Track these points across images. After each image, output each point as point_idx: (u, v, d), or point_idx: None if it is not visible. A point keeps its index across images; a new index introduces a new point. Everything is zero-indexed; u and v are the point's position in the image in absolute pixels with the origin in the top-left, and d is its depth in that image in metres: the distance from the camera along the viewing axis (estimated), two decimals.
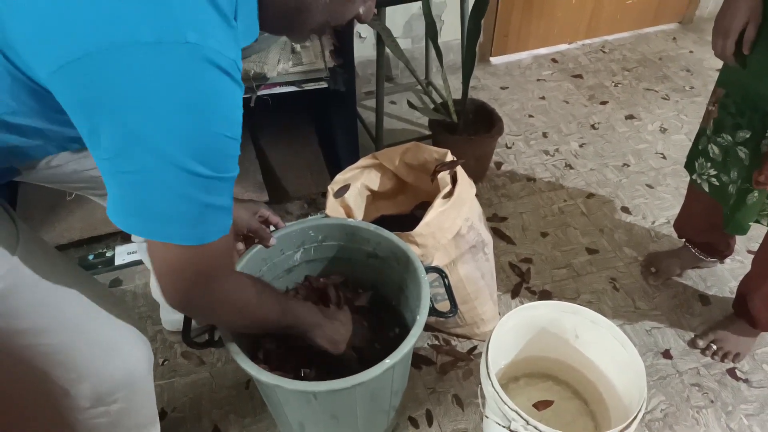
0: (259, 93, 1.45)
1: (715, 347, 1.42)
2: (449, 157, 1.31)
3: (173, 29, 0.52)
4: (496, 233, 1.76)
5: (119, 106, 0.54)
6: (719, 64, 1.17)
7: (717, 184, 1.29)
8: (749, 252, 1.67)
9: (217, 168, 0.60)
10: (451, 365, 1.42)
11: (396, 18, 2.28)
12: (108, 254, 1.69)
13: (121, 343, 0.92)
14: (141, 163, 0.56)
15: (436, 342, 1.47)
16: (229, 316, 0.82)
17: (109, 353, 0.90)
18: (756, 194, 1.18)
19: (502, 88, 2.44)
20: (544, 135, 2.17)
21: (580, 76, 2.50)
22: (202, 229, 0.63)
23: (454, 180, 1.25)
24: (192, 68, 0.54)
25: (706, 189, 1.32)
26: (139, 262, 1.66)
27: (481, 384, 1.09)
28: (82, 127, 0.58)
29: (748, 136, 1.16)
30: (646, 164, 2.03)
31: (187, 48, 0.53)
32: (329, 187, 1.31)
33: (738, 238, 1.60)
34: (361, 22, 0.73)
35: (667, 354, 1.44)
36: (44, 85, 0.57)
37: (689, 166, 1.37)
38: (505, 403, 1.00)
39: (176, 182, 0.58)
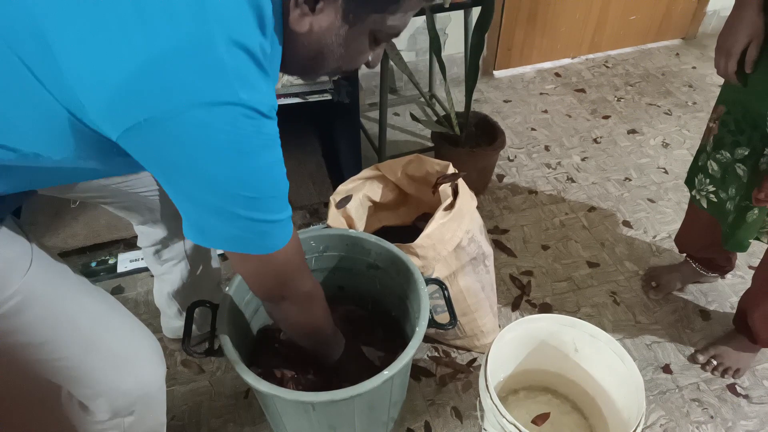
0: None
1: (715, 362, 1.42)
2: (451, 170, 1.32)
3: (229, 90, 0.60)
4: (497, 245, 1.76)
5: (182, 160, 0.63)
6: (721, 80, 1.18)
7: (715, 200, 1.29)
8: (750, 268, 1.67)
9: (269, 190, 0.70)
10: (450, 377, 1.42)
11: None
12: (111, 261, 1.70)
13: (135, 356, 0.92)
14: (205, 201, 0.66)
15: (436, 354, 1.47)
16: (299, 313, 0.91)
17: (124, 367, 0.90)
18: (756, 212, 1.18)
19: (504, 101, 2.45)
20: (546, 148, 2.18)
21: (582, 91, 2.52)
22: (267, 242, 0.74)
23: (455, 192, 1.26)
24: (243, 123, 0.62)
25: (705, 205, 1.32)
26: (141, 270, 1.67)
27: (479, 396, 1.09)
28: (151, 172, 0.67)
29: (747, 153, 1.17)
30: (647, 179, 2.03)
31: (239, 107, 0.61)
32: (331, 198, 1.32)
33: (739, 253, 1.60)
34: (369, 67, 0.80)
35: (667, 369, 1.44)
36: (109, 137, 0.63)
37: (689, 182, 1.38)
38: (504, 417, 1.00)
39: (237, 209, 0.68)
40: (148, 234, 1.21)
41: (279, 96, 1.50)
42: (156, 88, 0.58)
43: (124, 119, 0.59)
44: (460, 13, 1.97)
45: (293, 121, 2.00)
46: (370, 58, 0.78)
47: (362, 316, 1.29)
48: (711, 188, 1.29)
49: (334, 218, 1.29)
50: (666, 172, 2.06)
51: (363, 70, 2.07)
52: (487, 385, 1.05)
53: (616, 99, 2.46)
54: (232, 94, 0.60)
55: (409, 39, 2.35)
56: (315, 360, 1.08)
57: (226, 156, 0.63)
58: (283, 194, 0.73)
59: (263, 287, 0.84)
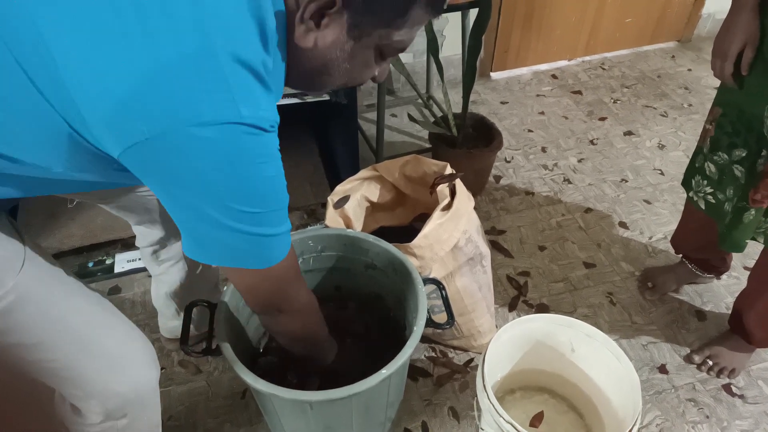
0: None
1: (710, 363, 1.43)
2: (448, 170, 1.32)
3: (231, 108, 0.60)
4: (494, 246, 1.77)
5: (182, 177, 0.63)
6: (717, 82, 1.19)
7: (713, 201, 1.30)
8: (745, 268, 1.68)
9: (268, 204, 0.70)
10: (447, 377, 1.42)
11: None
12: (107, 262, 1.70)
13: (128, 358, 0.91)
14: (207, 216, 0.66)
15: (433, 354, 1.48)
16: (295, 324, 0.91)
17: (116, 369, 0.89)
18: (753, 212, 1.19)
19: (501, 102, 2.46)
20: (543, 150, 2.19)
21: (579, 92, 2.53)
22: (267, 256, 0.74)
23: (452, 193, 1.26)
24: (243, 140, 0.63)
25: (702, 206, 1.33)
26: (138, 270, 1.67)
27: (477, 396, 1.10)
28: (150, 188, 0.67)
29: (744, 154, 1.18)
30: (643, 180, 2.04)
31: (240, 125, 0.61)
32: (329, 198, 1.32)
33: (734, 254, 1.61)
34: (376, 82, 0.81)
35: (662, 369, 1.44)
36: (109, 154, 0.63)
37: (686, 183, 1.38)
38: (501, 416, 1.01)
39: (236, 224, 0.67)
40: (146, 234, 1.21)
41: None
42: (158, 104, 0.58)
43: (127, 136, 0.59)
44: (458, 14, 1.98)
45: (291, 122, 1.99)
46: (376, 73, 0.78)
47: (359, 315, 1.29)
48: (708, 190, 1.30)
49: (332, 218, 1.30)
50: (662, 174, 2.07)
51: None
52: (484, 385, 1.06)
53: (612, 101, 2.47)
54: (235, 111, 0.60)
55: None
56: (306, 364, 1.08)
57: (227, 171, 0.63)
58: (283, 207, 0.73)
59: (259, 301, 0.83)
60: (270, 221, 0.71)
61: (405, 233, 1.27)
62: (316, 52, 0.69)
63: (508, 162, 2.13)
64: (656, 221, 1.87)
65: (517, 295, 1.63)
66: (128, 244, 1.72)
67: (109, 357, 0.88)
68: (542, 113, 2.39)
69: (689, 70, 2.68)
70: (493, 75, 2.64)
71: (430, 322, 1.07)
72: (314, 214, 1.87)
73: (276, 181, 0.70)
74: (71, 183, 0.75)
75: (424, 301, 1.04)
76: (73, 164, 0.67)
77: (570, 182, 2.03)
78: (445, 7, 1.98)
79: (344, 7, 0.65)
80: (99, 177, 0.73)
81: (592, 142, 2.23)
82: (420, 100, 2.38)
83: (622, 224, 1.86)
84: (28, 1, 0.58)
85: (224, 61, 0.59)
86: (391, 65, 1.73)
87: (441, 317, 1.18)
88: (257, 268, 0.74)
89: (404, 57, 2.34)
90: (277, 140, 0.68)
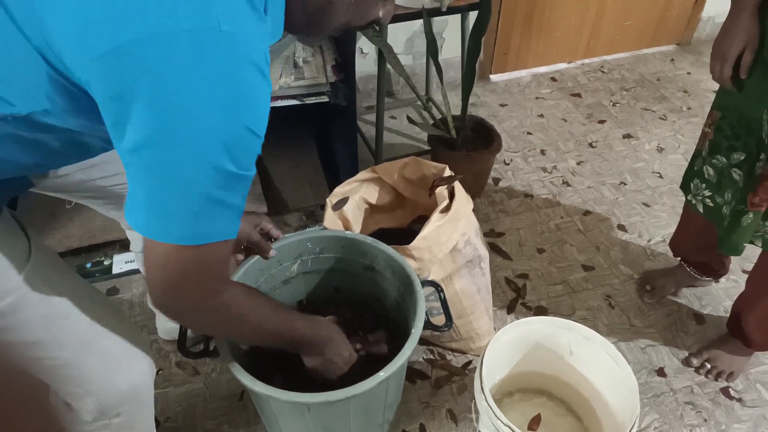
0: None
1: (709, 366, 1.43)
2: (447, 173, 1.32)
3: (208, 17, 0.53)
4: (493, 248, 1.77)
5: (155, 94, 0.54)
6: (716, 86, 1.19)
7: (711, 205, 1.30)
8: (744, 272, 1.68)
9: (241, 164, 0.60)
10: (445, 380, 1.42)
11: (397, 35, 2.31)
12: (106, 263, 1.70)
13: (126, 357, 0.91)
14: (168, 153, 0.57)
15: (431, 356, 1.48)
16: (219, 326, 0.80)
17: (115, 367, 0.89)
18: (751, 216, 1.19)
19: (501, 105, 2.46)
20: (542, 152, 2.19)
21: (578, 95, 2.53)
22: (204, 228, 0.62)
23: (451, 195, 1.26)
24: (228, 60, 0.55)
25: (701, 210, 1.33)
26: (136, 271, 1.67)
27: (475, 399, 1.09)
28: (111, 118, 0.57)
29: (742, 158, 1.18)
30: (642, 183, 2.04)
31: (223, 38, 0.54)
32: (328, 200, 1.32)
33: (733, 257, 1.61)
34: (380, 25, 0.74)
35: (661, 372, 1.44)
36: (79, 83, 0.57)
37: (685, 186, 1.39)
38: (499, 419, 1.00)
39: (199, 175, 0.58)
40: (139, 237, 1.20)
41: (276, 98, 1.50)
42: (130, 10, 0.52)
43: (94, 46, 0.53)
44: (457, 17, 1.98)
45: (290, 124, 2.00)
46: (381, 14, 0.73)
47: (357, 318, 1.29)
48: (707, 193, 1.30)
49: (331, 220, 1.30)
50: (661, 177, 2.07)
51: (360, 72, 2.08)
52: (482, 388, 1.06)
53: (611, 104, 2.47)
54: (213, 21, 0.53)
55: (406, 42, 2.36)
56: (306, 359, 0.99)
57: (210, 93, 0.55)
58: (249, 178, 0.63)
59: (166, 290, 0.66)
60: (235, 187, 0.62)
61: (404, 235, 1.27)
62: None
63: (507, 164, 2.13)
64: (655, 224, 1.87)
65: (515, 298, 1.62)
66: (126, 245, 1.72)
67: (109, 355, 0.88)
68: (541, 116, 2.40)
69: (689, 73, 2.68)
70: (493, 77, 2.64)
71: (428, 324, 1.07)
72: (313, 215, 1.86)
73: (256, 143, 0.61)
74: (45, 127, 0.66)
75: (423, 303, 1.04)
76: (44, 104, 0.61)
77: (569, 185, 2.03)
78: (444, 24, 1.93)
79: None
80: (71, 121, 0.65)
81: (591, 144, 2.23)
82: (419, 102, 2.38)
83: (621, 227, 1.86)
84: None
85: None
86: (390, 67, 1.74)
87: (439, 319, 1.18)
88: (184, 244, 0.62)
89: (404, 59, 2.35)
90: (269, 92, 0.60)
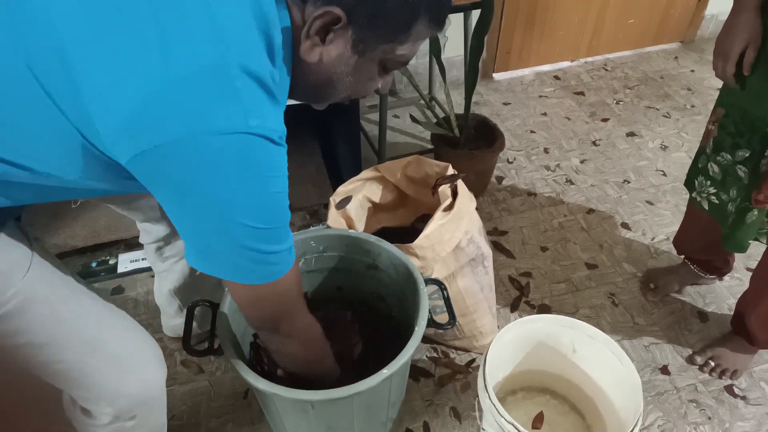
0: None
1: (713, 364, 1.43)
2: (450, 171, 1.32)
3: (242, 118, 0.61)
4: (496, 247, 1.77)
5: (191, 186, 0.63)
6: (719, 83, 1.19)
7: (716, 202, 1.30)
8: (748, 270, 1.67)
9: (273, 221, 0.70)
10: (449, 378, 1.42)
11: None
12: (111, 262, 1.70)
13: (135, 360, 0.92)
14: (212, 226, 0.67)
15: (435, 354, 1.48)
16: (293, 347, 0.90)
17: (125, 371, 0.90)
18: (755, 213, 1.19)
19: (504, 103, 2.46)
20: (546, 151, 2.19)
21: (581, 93, 2.52)
22: (268, 271, 0.74)
23: (454, 193, 1.26)
24: (254, 151, 0.63)
25: (706, 207, 1.33)
26: (142, 270, 1.68)
27: (478, 397, 1.10)
28: (157, 197, 0.67)
29: (747, 155, 1.18)
30: (646, 181, 2.04)
31: (251, 135, 0.62)
32: (331, 199, 1.33)
33: (737, 255, 1.61)
34: (379, 94, 0.81)
35: (664, 370, 1.44)
36: (119, 162, 0.63)
37: (689, 184, 1.38)
38: (502, 416, 1.01)
39: (241, 239, 0.68)
40: (150, 231, 1.21)
41: None
42: (171, 113, 0.59)
43: (137, 143, 0.60)
44: (460, 15, 1.98)
45: (293, 123, 2.00)
46: (379, 86, 0.79)
47: (360, 318, 1.29)
48: (712, 190, 1.30)
49: (334, 219, 1.30)
50: (664, 175, 2.07)
51: None
52: (485, 386, 1.06)
53: (614, 102, 2.47)
54: (245, 122, 0.61)
55: None
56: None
57: (235, 183, 0.63)
58: (286, 225, 0.74)
59: (257, 316, 0.83)
60: (272, 238, 0.72)
61: (407, 234, 1.27)
62: (321, 66, 0.71)
63: (510, 163, 2.13)
64: (659, 222, 1.87)
65: (518, 296, 1.63)
66: (131, 244, 1.73)
67: (117, 359, 0.89)
68: (545, 114, 2.39)
69: (692, 71, 2.68)
70: (496, 76, 2.64)
71: (431, 323, 1.07)
72: (316, 214, 1.87)
73: (282, 198, 0.71)
74: (84, 190, 0.76)
75: (426, 301, 1.05)
76: (86, 173, 0.68)
77: (572, 183, 2.03)
78: (447, 23, 1.97)
79: (349, 23, 0.66)
80: (111, 185, 0.73)
81: (594, 143, 2.23)
82: (422, 101, 2.38)
83: (625, 225, 1.86)
84: (51, 11, 0.59)
85: (236, 74, 0.60)
86: None
87: (443, 318, 1.18)
88: (256, 284, 0.74)
89: None
90: (285, 156, 0.69)
